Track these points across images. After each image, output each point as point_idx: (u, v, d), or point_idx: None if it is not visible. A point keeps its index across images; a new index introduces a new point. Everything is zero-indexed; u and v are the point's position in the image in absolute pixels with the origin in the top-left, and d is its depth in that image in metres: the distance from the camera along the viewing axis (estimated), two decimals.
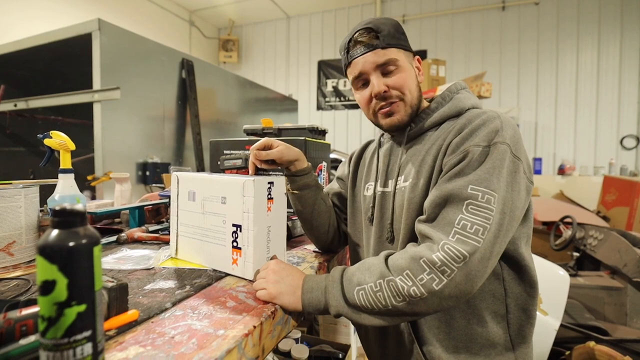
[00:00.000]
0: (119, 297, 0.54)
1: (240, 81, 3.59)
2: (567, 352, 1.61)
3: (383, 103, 0.79)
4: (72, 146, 0.98)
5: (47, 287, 0.35)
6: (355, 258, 0.94)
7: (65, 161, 0.97)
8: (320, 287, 0.68)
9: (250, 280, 0.72)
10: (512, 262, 0.73)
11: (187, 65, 2.77)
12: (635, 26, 4.80)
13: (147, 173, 2.44)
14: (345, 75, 0.85)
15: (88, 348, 0.37)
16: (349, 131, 6.28)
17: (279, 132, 1.46)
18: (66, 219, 0.37)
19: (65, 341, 0.36)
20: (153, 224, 1.17)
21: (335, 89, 6.37)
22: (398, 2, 5.91)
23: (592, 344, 1.52)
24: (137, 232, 1.02)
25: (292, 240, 1.12)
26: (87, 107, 2.20)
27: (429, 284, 0.59)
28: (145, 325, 0.53)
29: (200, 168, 2.82)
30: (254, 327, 0.54)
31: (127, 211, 1.24)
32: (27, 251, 0.84)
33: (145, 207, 1.22)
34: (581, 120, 5.06)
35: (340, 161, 2.90)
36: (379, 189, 0.85)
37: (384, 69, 0.77)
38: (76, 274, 0.36)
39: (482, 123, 0.70)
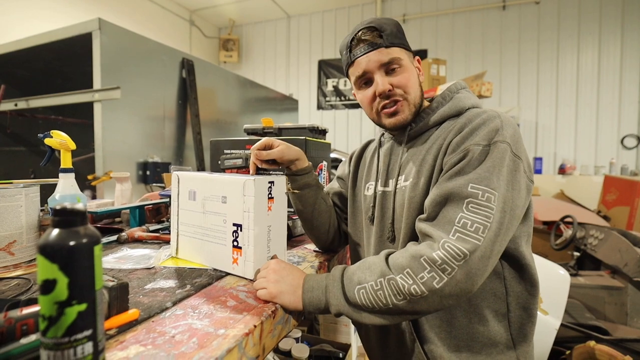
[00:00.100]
0: (120, 297, 0.54)
1: (240, 81, 3.59)
2: (568, 352, 1.61)
3: (387, 102, 0.79)
4: (73, 146, 0.98)
5: (48, 286, 0.35)
6: (356, 257, 0.94)
7: (66, 161, 0.97)
8: (321, 286, 0.68)
9: (251, 280, 0.72)
10: (513, 260, 0.73)
11: (187, 65, 2.77)
12: (636, 26, 4.79)
13: (148, 172, 2.44)
14: (347, 75, 0.85)
15: (89, 347, 0.37)
16: (350, 131, 6.28)
17: (279, 132, 1.46)
18: (67, 218, 0.37)
19: (65, 340, 0.36)
20: (153, 224, 1.17)
21: (336, 88, 6.37)
22: (398, 1, 5.91)
23: (592, 343, 1.52)
24: (137, 232, 1.02)
25: (293, 240, 1.12)
26: (88, 107, 2.20)
27: (430, 282, 0.59)
28: (145, 324, 0.53)
29: (201, 167, 2.82)
30: (255, 326, 0.54)
31: (128, 210, 1.24)
32: (27, 250, 0.84)
33: (146, 207, 1.22)
34: (582, 120, 5.06)
35: (341, 161, 2.90)
36: (380, 188, 0.85)
37: (388, 67, 0.77)
38: (77, 273, 0.36)
39: (483, 122, 0.70)
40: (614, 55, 4.90)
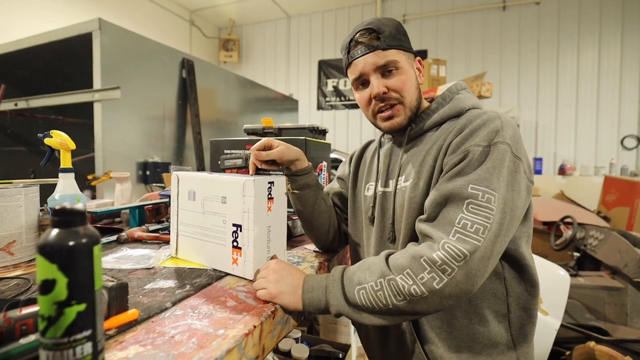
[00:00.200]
0: (119, 297, 0.54)
1: (240, 81, 3.59)
2: (568, 352, 1.61)
3: (382, 105, 0.79)
4: (73, 145, 0.98)
5: (47, 286, 0.35)
6: (356, 258, 0.94)
7: (66, 160, 0.97)
8: (321, 286, 0.68)
9: (251, 280, 0.72)
10: (513, 261, 0.73)
11: (187, 65, 2.77)
12: (636, 26, 4.80)
13: (148, 172, 2.44)
14: (346, 75, 0.85)
15: (88, 347, 0.37)
16: (350, 131, 6.28)
17: (279, 132, 1.46)
18: (66, 218, 0.37)
19: (65, 340, 0.35)
20: (153, 224, 1.17)
21: (336, 88, 6.37)
22: (398, 1, 5.91)
23: (592, 344, 1.52)
24: (137, 232, 1.02)
25: (293, 240, 1.12)
26: (88, 107, 2.20)
27: (430, 283, 0.59)
28: (145, 324, 0.53)
29: (201, 168, 2.82)
30: (254, 326, 0.54)
31: (128, 210, 1.24)
32: (27, 250, 0.84)
33: (146, 207, 1.22)
34: (582, 120, 5.06)
35: (341, 161, 2.90)
36: (380, 188, 0.85)
37: (384, 70, 0.77)
38: (76, 273, 0.36)
39: (483, 123, 0.70)
40: (614, 55, 4.91)
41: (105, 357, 0.43)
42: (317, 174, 1.27)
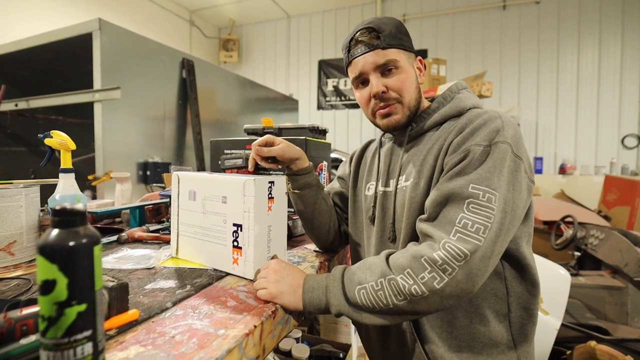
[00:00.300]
0: (120, 297, 0.54)
1: (240, 81, 3.59)
2: (568, 352, 1.61)
3: (381, 104, 0.79)
4: (73, 146, 0.98)
5: (48, 286, 0.35)
6: (356, 257, 0.94)
7: (66, 161, 0.97)
8: (321, 286, 0.68)
9: (251, 280, 0.72)
10: (514, 261, 0.73)
11: (187, 65, 2.77)
12: (636, 26, 4.79)
13: (148, 173, 2.44)
14: (347, 74, 0.85)
15: (88, 348, 0.37)
16: (350, 131, 6.27)
17: (279, 132, 1.46)
18: (66, 218, 0.37)
19: (65, 341, 0.35)
20: (154, 224, 1.17)
21: (336, 88, 6.37)
22: (398, 1, 5.91)
23: (593, 343, 1.52)
24: (137, 232, 1.02)
25: (293, 240, 1.12)
26: (88, 107, 2.20)
27: (430, 283, 0.59)
28: (145, 324, 0.53)
29: (201, 168, 2.82)
30: (255, 326, 0.54)
31: (128, 211, 1.24)
32: (27, 251, 0.84)
33: (146, 207, 1.22)
34: (582, 120, 5.05)
35: (341, 161, 2.90)
36: (380, 188, 0.85)
37: (384, 69, 0.77)
38: (76, 273, 0.36)
39: (483, 123, 0.70)
40: (614, 55, 4.90)
41: (106, 357, 0.43)
42: (317, 173, 1.27)
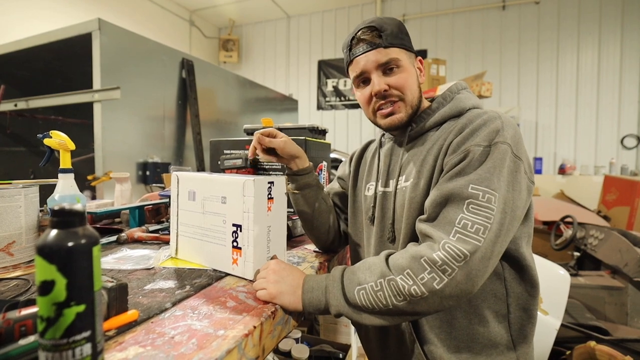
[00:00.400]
0: (119, 297, 0.54)
1: (240, 81, 3.59)
2: (568, 352, 1.61)
3: (383, 102, 0.79)
4: (72, 146, 0.98)
5: (46, 287, 0.35)
6: (356, 258, 0.94)
7: (65, 161, 0.97)
8: (321, 286, 0.68)
9: (251, 280, 0.72)
10: (513, 261, 0.73)
11: (187, 65, 2.77)
12: (636, 26, 4.79)
13: (147, 173, 2.43)
14: (347, 73, 0.85)
15: (87, 348, 0.37)
16: (349, 131, 6.27)
17: None
18: (65, 219, 0.36)
19: (64, 342, 0.35)
20: (153, 224, 1.17)
21: (336, 88, 6.37)
22: (398, 1, 5.91)
23: (592, 343, 1.52)
24: (137, 232, 1.02)
25: (293, 240, 1.12)
26: (88, 107, 2.20)
27: (430, 283, 0.59)
28: (145, 325, 0.53)
29: (201, 168, 2.82)
30: (254, 327, 0.54)
31: (127, 211, 1.24)
32: (27, 251, 0.84)
33: (146, 207, 1.22)
34: (582, 120, 5.05)
35: (341, 161, 2.90)
36: (380, 188, 0.85)
37: (386, 68, 0.77)
38: (75, 274, 0.36)
39: (483, 123, 0.70)
40: (614, 55, 4.90)
41: (105, 358, 0.43)
42: (317, 174, 1.27)
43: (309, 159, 0.88)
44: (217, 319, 0.55)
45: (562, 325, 1.53)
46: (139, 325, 0.52)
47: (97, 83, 2.14)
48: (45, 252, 0.35)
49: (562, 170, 4.68)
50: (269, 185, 0.74)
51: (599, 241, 2.44)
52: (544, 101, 5.22)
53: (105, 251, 0.91)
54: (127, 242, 1.00)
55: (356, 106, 6.11)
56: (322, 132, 1.50)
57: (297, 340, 1.45)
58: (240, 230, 0.72)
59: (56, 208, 0.36)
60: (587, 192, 4.12)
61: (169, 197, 0.95)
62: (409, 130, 0.82)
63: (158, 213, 1.25)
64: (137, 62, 2.40)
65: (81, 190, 1.00)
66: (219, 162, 0.90)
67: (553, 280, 1.64)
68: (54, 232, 0.36)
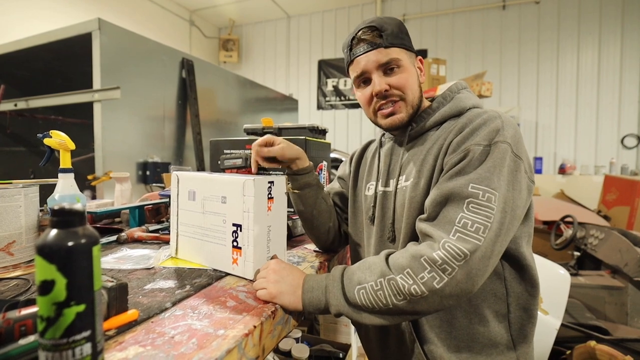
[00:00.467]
0: (119, 297, 0.54)
1: (240, 81, 3.59)
2: (568, 352, 1.61)
3: (383, 102, 0.79)
4: (72, 145, 0.98)
5: (46, 287, 0.35)
6: (356, 257, 0.94)
7: (65, 161, 0.97)
8: (321, 286, 0.68)
9: (251, 280, 0.72)
10: (514, 261, 0.73)
11: (187, 65, 2.77)
12: (636, 26, 4.79)
13: (148, 173, 2.44)
14: (347, 73, 0.85)
15: (87, 348, 0.37)
16: (350, 131, 6.27)
17: (279, 132, 1.46)
18: (65, 218, 0.36)
19: (64, 341, 0.35)
20: (153, 224, 1.17)
21: (336, 88, 6.37)
22: (398, 1, 5.91)
23: (592, 343, 1.52)
24: (137, 232, 1.02)
25: (293, 240, 1.12)
26: (88, 107, 2.20)
27: (430, 283, 0.59)
28: (145, 325, 0.53)
29: (201, 168, 2.82)
30: (254, 326, 0.54)
31: (127, 211, 1.24)
32: (27, 251, 0.84)
33: (146, 207, 1.22)
34: (582, 120, 5.05)
35: (341, 161, 2.90)
36: (380, 188, 0.85)
37: (386, 68, 0.77)
38: (75, 273, 0.36)
39: (483, 122, 0.70)
40: (614, 55, 4.90)
41: (105, 357, 0.43)
42: (317, 173, 1.27)
43: (309, 158, 0.88)
44: (217, 318, 0.55)
45: (562, 325, 1.53)
46: (139, 325, 0.52)
47: (97, 83, 2.14)
48: (45, 251, 0.35)
49: (562, 170, 4.68)
50: (269, 185, 0.74)
51: (599, 241, 2.44)
52: (544, 101, 5.22)
53: (105, 251, 0.91)
54: (127, 241, 1.00)
55: (356, 106, 6.11)
56: (322, 132, 1.50)
57: (297, 340, 1.45)
58: (240, 230, 0.72)
59: (56, 208, 0.36)
60: (587, 192, 4.12)
61: (169, 196, 0.95)
62: (409, 130, 0.82)
63: (158, 213, 1.25)
64: (137, 62, 2.40)
65: (81, 190, 1.00)
66: (219, 162, 0.90)
67: (553, 280, 1.64)
68: (54, 232, 0.36)
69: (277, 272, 0.68)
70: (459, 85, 0.83)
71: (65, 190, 0.95)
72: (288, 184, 0.81)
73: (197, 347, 0.47)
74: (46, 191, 1.00)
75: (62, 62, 2.77)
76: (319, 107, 6.48)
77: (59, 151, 0.98)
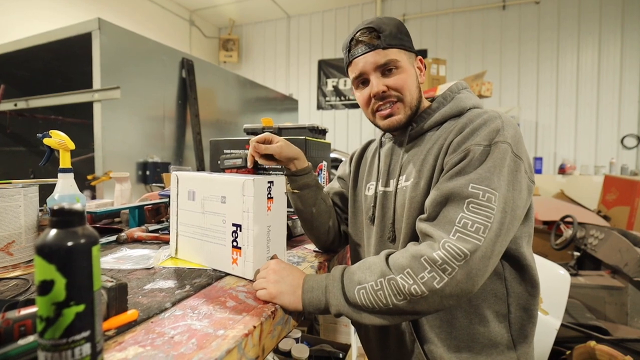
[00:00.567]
0: (118, 297, 0.53)
1: (240, 81, 3.59)
2: (568, 352, 1.61)
3: (381, 103, 0.79)
4: (72, 145, 0.97)
5: (46, 287, 0.35)
6: (356, 257, 0.94)
7: (65, 160, 0.97)
8: (321, 286, 0.68)
9: (250, 280, 0.72)
10: (514, 261, 0.73)
11: (187, 65, 2.77)
12: (636, 26, 4.79)
13: (147, 172, 2.43)
14: (347, 74, 0.85)
15: (87, 348, 0.37)
16: (349, 131, 6.27)
17: (279, 132, 1.46)
18: (64, 218, 0.36)
19: (63, 341, 0.35)
20: (153, 224, 1.17)
21: (336, 88, 6.37)
22: (398, 1, 5.90)
23: (592, 343, 1.52)
24: (136, 232, 1.02)
25: (293, 240, 1.12)
26: (88, 107, 2.20)
27: (430, 282, 0.59)
28: (144, 325, 0.52)
29: (201, 167, 2.82)
30: (254, 327, 0.54)
31: (127, 211, 1.23)
32: (26, 251, 0.84)
33: (145, 207, 1.22)
34: (582, 120, 5.05)
35: (341, 161, 2.90)
36: (380, 188, 0.85)
37: (384, 69, 0.77)
38: (75, 273, 0.36)
39: (484, 122, 0.70)
40: (614, 55, 4.90)
41: (105, 357, 0.43)
42: (317, 173, 1.27)
43: (309, 158, 0.88)
44: (217, 318, 0.55)
45: (562, 325, 1.53)
46: (138, 325, 0.52)
47: (97, 83, 2.13)
48: (45, 251, 0.35)
49: (562, 170, 4.68)
50: (269, 184, 0.74)
51: (599, 241, 2.44)
52: (544, 101, 5.22)
53: (105, 251, 0.91)
54: (127, 241, 1.00)
55: (356, 106, 6.10)
56: (322, 132, 1.50)
57: (297, 340, 1.45)
58: (240, 230, 0.72)
59: (56, 208, 0.36)
60: (587, 192, 4.12)
61: (168, 196, 0.95)
62: (409, 130, 0.82)
63: (158, 213, 1.25)
64: (137, 62, 2.40)
65: (81, 190, 1.00)
66: (219, 162, 0.90)
67: (553, 280, 1.64)
68: (53, 232, 0.36)
69: (277, 272, 0.68)
70: (459, 85, 0.83)
71: (65, 190, 0.95)
72: (287, 184, 0.81)
73: (197, 347, 0.47)
74: (46, 191, 1.00)
75: (62, 62, 2.77)
76: (319, 107, 6.48)
77: (58, 151, 0.98)
